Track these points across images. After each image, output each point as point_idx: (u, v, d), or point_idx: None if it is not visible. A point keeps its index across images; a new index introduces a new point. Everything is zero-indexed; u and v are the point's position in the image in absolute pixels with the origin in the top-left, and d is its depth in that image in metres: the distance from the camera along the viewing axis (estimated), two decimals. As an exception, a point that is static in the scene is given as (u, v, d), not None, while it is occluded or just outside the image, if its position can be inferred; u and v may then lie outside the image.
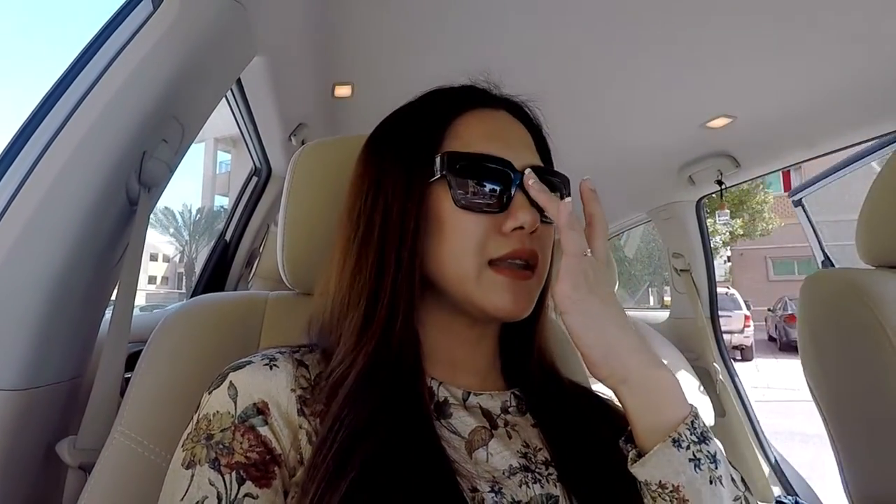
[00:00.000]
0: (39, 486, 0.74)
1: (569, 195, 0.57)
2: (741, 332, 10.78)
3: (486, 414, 0.54)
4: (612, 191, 2.32)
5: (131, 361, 0.78)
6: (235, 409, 0.46)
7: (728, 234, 14.43)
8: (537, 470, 0.51)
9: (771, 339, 13.81)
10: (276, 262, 2.00)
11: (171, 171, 0.87)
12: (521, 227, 0.51)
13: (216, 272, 1.76)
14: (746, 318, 11.07)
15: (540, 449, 0.53)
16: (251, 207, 1.76)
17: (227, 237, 1.78)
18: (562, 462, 0.52)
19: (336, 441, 0.44)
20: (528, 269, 0.52)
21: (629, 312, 2.54)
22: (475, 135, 0.54)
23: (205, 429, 0.46)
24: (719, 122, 1.69)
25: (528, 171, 0.52)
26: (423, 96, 0.60)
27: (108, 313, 0.88)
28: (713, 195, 2.11)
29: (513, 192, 0.52)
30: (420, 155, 0.53)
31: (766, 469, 1.99)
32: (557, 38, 1.27)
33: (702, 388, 2.07)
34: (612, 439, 0.51)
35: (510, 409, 0.56)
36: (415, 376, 0.51)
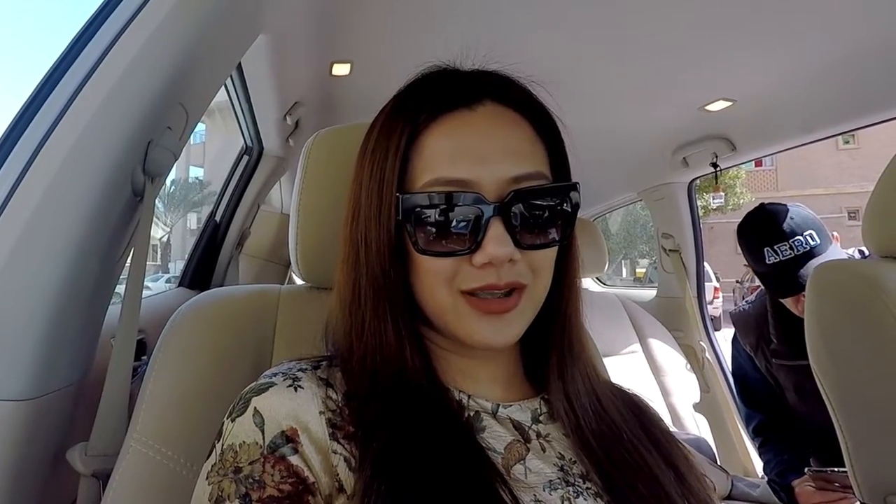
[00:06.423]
0: (49, 494, 0.71)
1: (571, 204, 0.52)
2: (710, 303, 11.09)
3: (518, 427, 0.53)
4: (605, 171, 2.31)
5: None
6: (263, 438, 0.44)
7: (701, 209, 14.76)
8: (576, 483, 0.50)
9: (738, 310, 14.25)
10: (263, 240, 1.93)
11: (176, 157, 0.82)
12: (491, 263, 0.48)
13: (206, 254, 1.70)
14: (716, 289, 11.42)
15: (575, 462, 0.52)
16: (242, 188, 1.69)
17: (217, 218, 1.71)
18: (600, 475, 0.52)
19: (383, 470, 0.43)
20: (509, 297, 0.49)
21: (618, 291, 2.57)
22: (440, 153, 0.50)
23: (231, 461, 0.44)
24: (718, 106, 1.68)
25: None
26: (404, 89, 0.55)
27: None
28: (706, 177, 2.12)
29: (482, 225, 0.47)
30: (386, 185, 0.51)
31: (748, 443, 2.06)
32: (557, 19, 1.24)
33: (688, 365, 2.12)
34: (647, 442, 0.53)
35: (541, 418, 0.55)
36: (440, 393, 0.51)
